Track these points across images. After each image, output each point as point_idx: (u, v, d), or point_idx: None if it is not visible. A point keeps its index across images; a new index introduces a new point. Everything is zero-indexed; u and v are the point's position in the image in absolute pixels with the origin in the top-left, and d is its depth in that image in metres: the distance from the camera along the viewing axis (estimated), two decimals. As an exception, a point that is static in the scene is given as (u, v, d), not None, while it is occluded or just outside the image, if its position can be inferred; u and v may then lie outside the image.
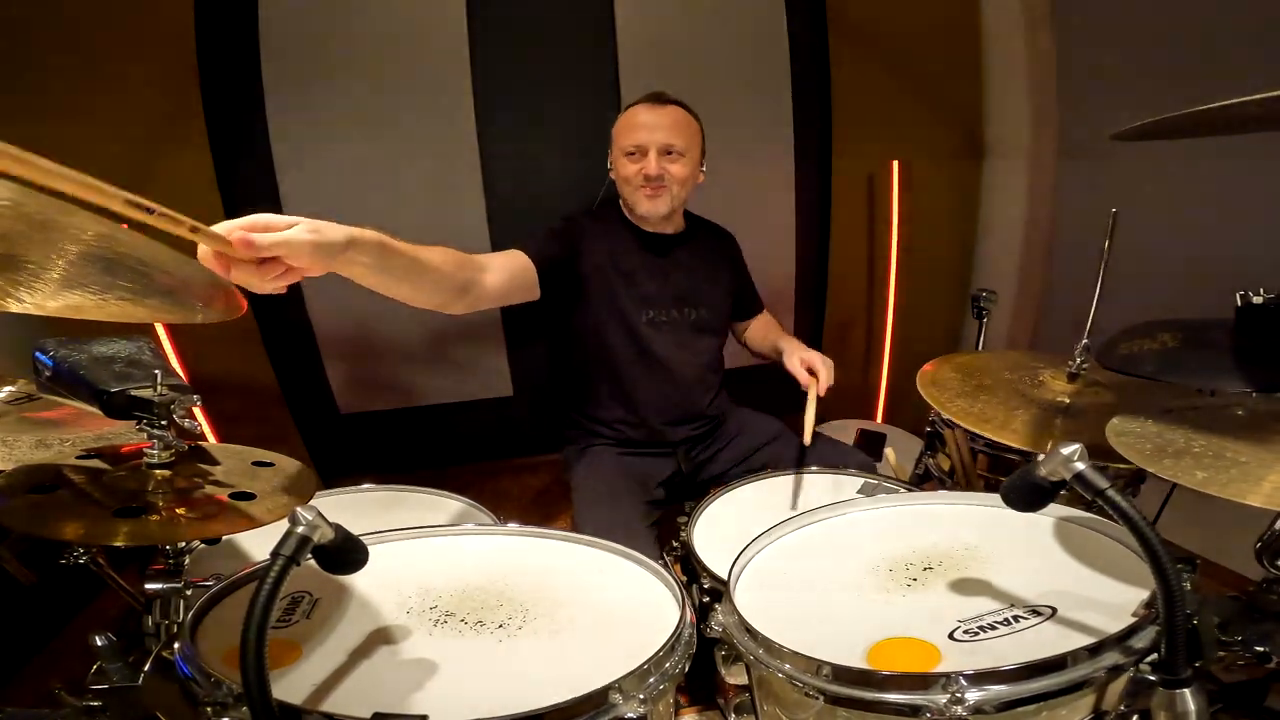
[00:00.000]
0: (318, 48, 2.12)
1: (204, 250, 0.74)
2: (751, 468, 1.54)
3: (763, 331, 1.76)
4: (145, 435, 0.88)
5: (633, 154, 1.48)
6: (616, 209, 1.58)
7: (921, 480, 1.53)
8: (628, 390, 1.55)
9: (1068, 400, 1.28)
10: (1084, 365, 1.29)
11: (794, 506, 1.29)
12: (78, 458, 0.93)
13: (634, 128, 1.48)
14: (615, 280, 1.52)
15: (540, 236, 1.46)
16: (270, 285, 0.79)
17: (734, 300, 1.70)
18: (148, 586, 0.90)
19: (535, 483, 2.46)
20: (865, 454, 1.57)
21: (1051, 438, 1.17)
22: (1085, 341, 1.29)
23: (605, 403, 1.58)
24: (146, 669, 0.80)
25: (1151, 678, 0.67)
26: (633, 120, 1.49)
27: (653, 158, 1.45)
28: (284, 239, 0.76)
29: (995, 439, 1.18)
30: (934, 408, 1.33)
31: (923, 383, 1.33)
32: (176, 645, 0.75)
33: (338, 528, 0.69)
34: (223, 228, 0.73)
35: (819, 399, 1.46)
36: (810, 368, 1.50)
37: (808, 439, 1.38)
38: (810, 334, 2.78)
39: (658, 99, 1.51)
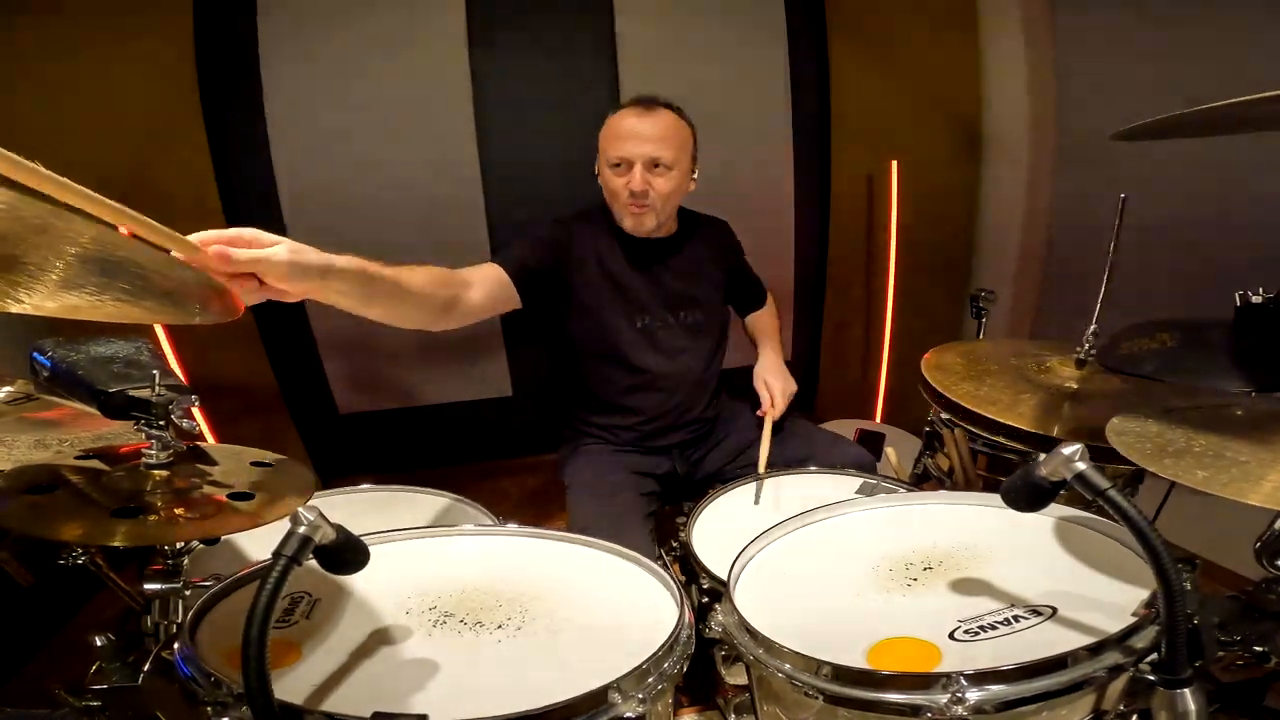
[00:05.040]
0: (316, 44, 2.12)
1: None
2: (746, 464, 1.52)
3: (755, 327, 1.74)
4: (144, 436, 0.88)
5: (618, 166, 1.38)
6: (605, 214, 1.49)
7: (921, 480, 1.52)
8: (623, 396, 1.52)
9: (1075, 385, 1.27)
10: (1092, 351, 1.28)
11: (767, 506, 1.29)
12: (76, 458, 0.92)
13: (620, 137, 1.37)
14: (606, 288, 1.46)
15: (524, 245, 1.40)
16: (247, 298, 0.80)
17: (732, 293, 1.67)
18: (146, 587, 0.90)
19: (534, 483, 2.46)
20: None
21: (1060, 421, 1.16)
22: (1094, 327, 1.28)
23: (600, 407, 1.55)
24: (146, 669, 0.80)
25: (1151, 678, 0.67)
26: (619, 128, 1.38)
27: (638, 173, 1.36)
28: (261, 256, 0.77)
29: (1002, 420, 1.16)
30: (934, 407, 1.33)
31: (927, 367, 1.32)
32: (176, 645, 0.74)
33: (339, 528, 0.69)
34: (205, 236, 0.74)
35: (774, 426, 1.50)
36: (771, 392, 1.54)
37: (762, 467, 1.38)
38: (809, 334, 2.78)
39: (647, 103, 1.39)
